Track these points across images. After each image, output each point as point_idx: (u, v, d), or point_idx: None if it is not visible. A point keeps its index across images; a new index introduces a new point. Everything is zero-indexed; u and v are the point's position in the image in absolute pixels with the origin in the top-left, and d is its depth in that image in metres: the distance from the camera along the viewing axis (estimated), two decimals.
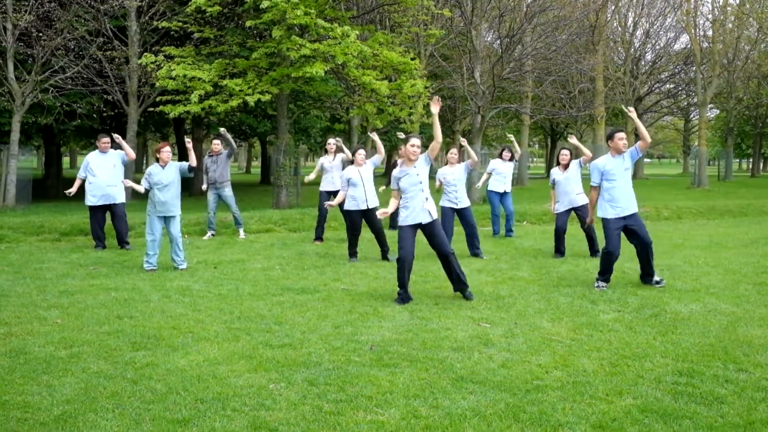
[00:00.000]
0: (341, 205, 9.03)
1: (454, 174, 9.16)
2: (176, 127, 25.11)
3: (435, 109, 6.19)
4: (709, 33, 29.28)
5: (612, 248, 6.84)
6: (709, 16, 29.25)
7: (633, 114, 6.91)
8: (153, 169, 8.04)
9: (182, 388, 4.03)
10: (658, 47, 34.30)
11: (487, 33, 22.86)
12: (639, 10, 31.62)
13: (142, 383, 4.11)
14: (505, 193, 11.35)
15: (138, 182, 8.34)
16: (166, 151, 8.10)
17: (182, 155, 23.01)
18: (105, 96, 17.53)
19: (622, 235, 7.02)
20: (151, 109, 16.69)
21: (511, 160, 11.40)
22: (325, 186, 10.66)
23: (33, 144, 27.06)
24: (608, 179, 6.90)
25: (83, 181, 9.77)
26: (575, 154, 10.86)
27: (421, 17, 19.43)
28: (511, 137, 11.38)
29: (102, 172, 9.66)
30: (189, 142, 8.50)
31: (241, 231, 11.30)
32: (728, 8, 28.46)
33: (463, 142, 9.86)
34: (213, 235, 11.21)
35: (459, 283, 6.45)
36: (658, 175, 47.87)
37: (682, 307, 6.06)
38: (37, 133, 20.78)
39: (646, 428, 3.49)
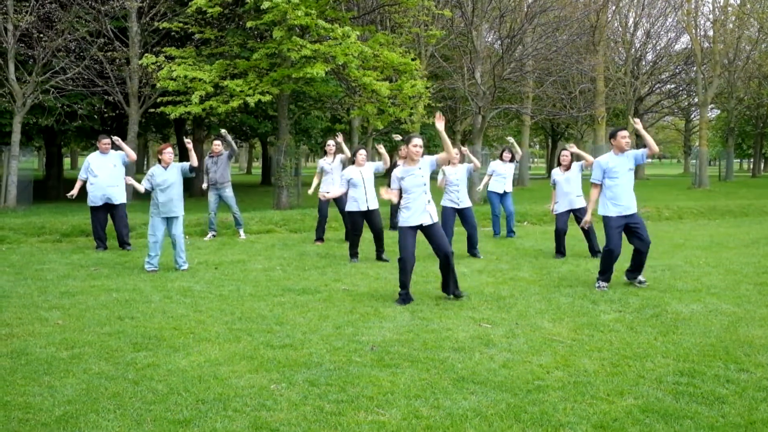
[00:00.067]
0: (341, 206, 9.03)
1: (456, 174, 9.15)
2: (177, 127, 25.13)
3: (440, 125, 6.10)
4: (710, 33, 29.29)
5: (613, 246, 6.83)
6: (710, 17, 29.29)
7: (639, 125, 6.91)
8: (155, 170, 8.04)
9: (183, 388, 4.04)
10: (658, 47, 34.33)
11: (488, 33, 22.84)
12: (640, 11, 31.62)
13: (143, 384, 4.12)
14: (506, 193, 11.36)
15: (139, 183, 8.34)
16: (169, 153, 8.10)
17: (183, 156, 23.03)
18: (106, 97, 17.56)
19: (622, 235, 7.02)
20: (152, 109, 16.71)
21: (511, 161, 11.41)
22: (325, 187, 10.66)
23: (34, 145, 27.09)
24: (610, 177, 6.90)
25: (84, 182, 9.80)
26: (576, 157, 10.85)
27: (422, 18, 19.44)
28: (510, 139, 11.36)
29: (103, 172, 9.69)
30: (189, 143, 8.51)
31: (242, 232, 11.30)
32: (729, 8, 28.46)
33: (465, 150, 9.84)
34: (214, 235, 11.22)
35: (454, 285, 6.44)
36: (659, 175, 47.83)
37: (683, 307, 6.06)
38: (38, 134, 20.80)
39: (647, 428, 3.49)
